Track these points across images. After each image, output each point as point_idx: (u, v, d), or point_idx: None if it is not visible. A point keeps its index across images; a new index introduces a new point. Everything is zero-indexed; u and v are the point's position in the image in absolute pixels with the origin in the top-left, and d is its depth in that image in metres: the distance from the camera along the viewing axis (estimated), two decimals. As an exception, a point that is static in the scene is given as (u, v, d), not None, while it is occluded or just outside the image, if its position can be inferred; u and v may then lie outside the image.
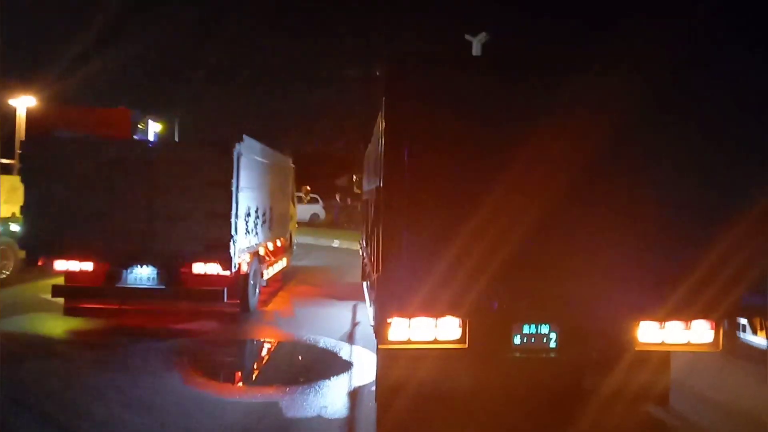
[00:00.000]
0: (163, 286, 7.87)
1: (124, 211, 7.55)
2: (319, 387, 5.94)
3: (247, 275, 8.48)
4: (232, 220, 7.53)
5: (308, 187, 22.24)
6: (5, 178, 10.68)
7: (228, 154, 7.44)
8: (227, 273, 7.86)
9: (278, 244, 11.41)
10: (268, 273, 10.51)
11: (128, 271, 7.89)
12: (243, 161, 7.85)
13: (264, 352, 7.52)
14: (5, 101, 17.00)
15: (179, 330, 8.01)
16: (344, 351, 7.26)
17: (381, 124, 4.09)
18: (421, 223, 3.89)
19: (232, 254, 7.56)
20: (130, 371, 6.33)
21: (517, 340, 4.65)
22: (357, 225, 26.91)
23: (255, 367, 7.08)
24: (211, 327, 8.22)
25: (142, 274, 7.93)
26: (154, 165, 7.49)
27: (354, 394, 5.76)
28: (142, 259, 7.70)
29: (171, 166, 7.51)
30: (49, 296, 9.96)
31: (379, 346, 4.50)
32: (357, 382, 6.10)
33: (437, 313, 4.15)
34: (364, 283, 10.32)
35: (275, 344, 7.74)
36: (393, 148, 3.82)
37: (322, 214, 31.87)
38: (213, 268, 7.79)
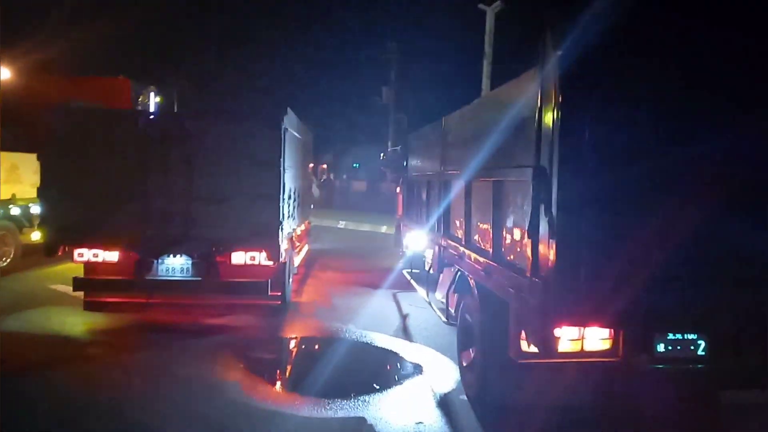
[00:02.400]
0: (199, 278, 7.01)
1: (156, 193, 6.63)
2: (401, 396, 5.23)
3: (285, 264, 7.65)
4: (280, 203, 6.68)
5: (325, 166, 21.10)
6: (5, 155, 9.60)
7: (277, 128, 6.55)
8: (270, 263, 7.04)
9: (303, 227, 10.58)
10: (298, 260, 9.70)
11: (159, 261, 7.01)
12: (287, 136, 6.98)
13: (318, 352, 6.70)
14: None
15: (216, 326, 7.19)
16: (406, 350, 6.53)
17: (547, 94, 3.22)
18: (598, 215, 3.12)
19: (280, 242, 6.73)
20: (176, 377, 5.51)
21: (660, 348, 3.98)
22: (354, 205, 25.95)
23: (316, 370, 6.23)
24: (249, 322, 7.40)
25: (175, 265, 7.05)
26: (192, 140, 6.56)
27: (446, 405, 5.04)
28: (176, 247, 6.82)
29: (211, 142, 6.60)
30: (58, 286, 9.13)
31: (545, 360, 3.76)
32: (440, 388, 5.38)
33: (609, 322, 3.43)
34: (405, 271, 9.62)
35: (327, 342, 6.93)
36: (571, 121, 3.01)
37: (316, 192, 30.84)
38: (255, 258, 6.96)
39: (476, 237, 4.84)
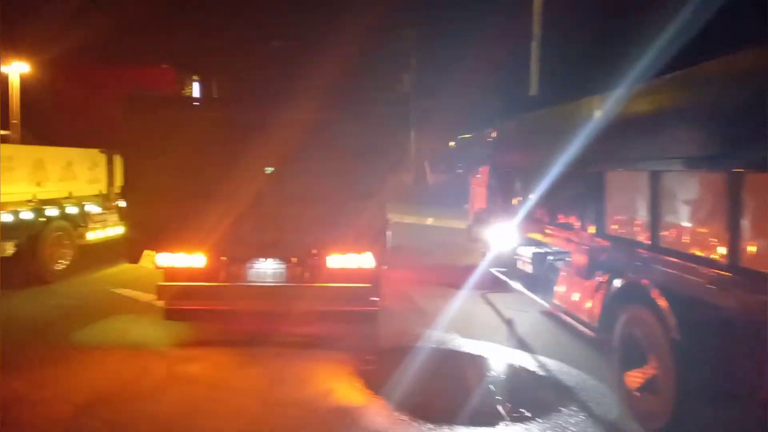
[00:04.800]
0: (293, 284, 6.30)
1: (246, 191, 5.91)
2: (556, 424, 4.48)
3: (380, 266, 6.90)
4: (386, 200, 5.94)
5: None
6: (60, 150, 8.96)
7: (384, 117, 5.79)
8: (371, 266, 6.31)
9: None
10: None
11: (248, 265, 6.31)
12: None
13: (435, 367, 5.87)
14: None
15: (311, 337, 6.48)
16: (531, 364, 5.79)
17: None
18: None
19: (386, 244, 5.99)
20: (287, 399, 4.84)
21: None
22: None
23: (441, 390, 5.40)
24: (344, 331, 6.65)
25: (266, 270, 6.34)
26: (288, 132, 5.81)
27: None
28: (269, 250, 6.11)
29: (310, 133, 5.85)
30: (123, 290, 8.51)
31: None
32: (599, 415, 4.64)
33: None
34: (495, 270, 8.86)
35: (438, 355, 6.15)
36: None
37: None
38: (355, 261, 6.23)
39: (683, 240, 4.02)
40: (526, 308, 7.75)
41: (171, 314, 6.53)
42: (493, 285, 8.91)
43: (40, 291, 8.39)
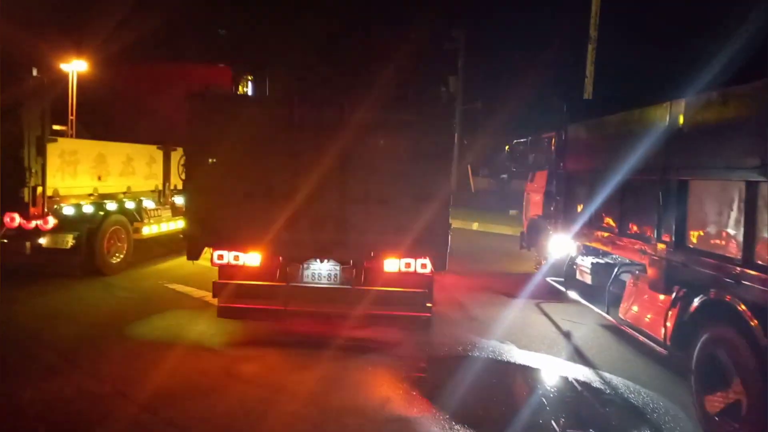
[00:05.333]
0: (348, 286, 6.20)
1: (305, 190, 5.83)
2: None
3: (438, 272, 6.71)
4: (450, 204, 5.78)
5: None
6: (121, 146, 9.13)
7: (452, 119, 5.63)
8: (427, 271, 6.16)
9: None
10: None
11: (304, 266, 6.25)
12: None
13: (495, 381, 5.59)
14: (57, 66, 15.51)
15: (364, 341, 6.35)
16: (596, 381, 5.51)
17: None
18: None
19: (448, 249, 5.83)
20: (346, 406, 4.72)
21: None
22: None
23: (504, 406, 5.07)
24: (396, 337, 6.50)
25: (322, 271, 6.27)
26: (350, 132, 5.72)
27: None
28: (327, 252, 6.02)
29: (372, 134, 5.74)
30: (176, 286, 8.61)
31: None
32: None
33: None
34: (552, 280, 8.58)
35: (495, 366, 5.92)
36: None
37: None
38: (411, 265, 6.09)
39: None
40: (584, 320, 7.45)
41: (224, 312, 6.52)
42: (548, 294, 8.63)
43: (97, 283, 8.56)
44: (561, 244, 8.29)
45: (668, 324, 4.93)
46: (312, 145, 5.78)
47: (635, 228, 5.69)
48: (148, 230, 9.85)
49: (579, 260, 7.82)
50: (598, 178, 6.48)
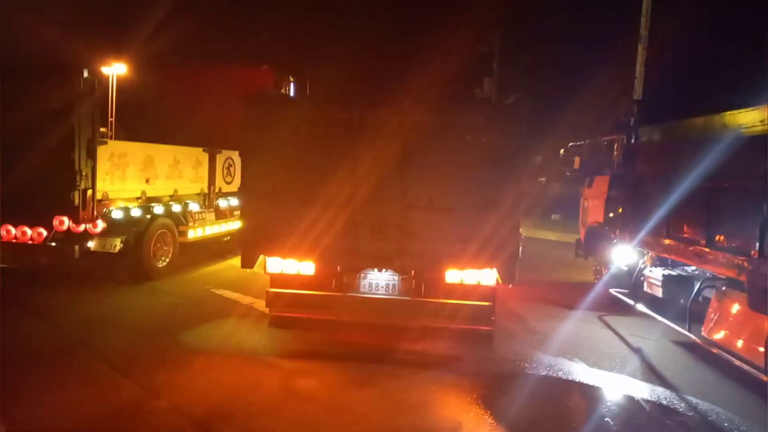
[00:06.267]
0: (407, 297, 5.88)
1: (363, 197, 5.54)
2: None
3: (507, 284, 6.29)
4: (520, 212, 5.40)
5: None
6: (168, 148, 8.99)
7: (521, 122, 5.26)
8: (490, 283, 5.80)
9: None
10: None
11: (361, 276, 5.95)
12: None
13: (562, 398, 5.27)
14: (98, 69, 15.53)
15: (424, 355, 6.00)
16: (675, 403, 5.05)
17: None
18: None
19: (517, 260, 5.45)
20: (428, 429, 4.38)
21: None
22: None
23: (578, 426, 4.78)
24: (457, 351, 6.12)
25: (380, 281, 5.98)
26: (412, 136, 5.40)
27: None
28: (386, 261, 5.71)
29: (436, 138, 5.41)
30: (223, 291, 8.40)
31: None
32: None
33: None
34: (616, 291, 8.12)
35: (563, 385, 5.50)
36: None
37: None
38: (475, 276, 5.74)
39: None
40: (652, 335, 6.97)
41: (277, 321, 6.30)
42: (609, 306, 8.16)
43: (144, 288, 8.41)
44: (626, 254, 7.82)
45: (769, 347, 4.46)
46: (372, 148, 5.49)
47: (727, 240, 5.21)
48: (194, 234, 9.70)
49: (648, 271, 7.34)
50: (678, 184, 6.00)
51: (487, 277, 5.70)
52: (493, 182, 5.34)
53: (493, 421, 4.58)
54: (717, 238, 5.34)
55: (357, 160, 5.51)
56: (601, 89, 20.60)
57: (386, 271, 5.89)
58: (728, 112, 5.17)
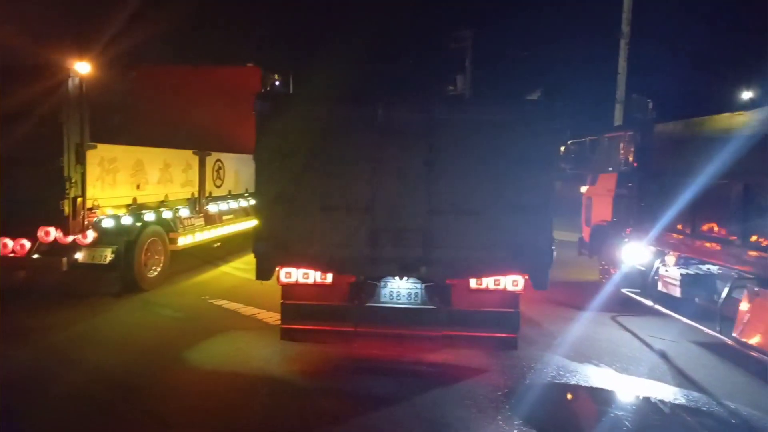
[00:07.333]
0: (432, 306, 5.58)
1: (383, 201, 5.22)
2: None
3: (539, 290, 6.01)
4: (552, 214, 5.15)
5: None
6: (158, 151, 8.49)
7: (552, 120, 5.00)
8: (517, 288, 5.55)
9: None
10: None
11: (381, 284, 5.62)
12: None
13: (597, 407, 5.10)
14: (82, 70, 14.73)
15: (449, 367, 5.74)
16: (715, 410, 4.88)
17: None
18: None
19: (550, 266, 5.20)
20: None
21: None
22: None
23: None
24: (482, 361, 5.85)
25: (401, 290, 5.65)
26: (435, 136, 5.09)
27: None
28: (408, 269, 5.38)
29: (461, 138, 5.11)
30: (221, 302, 7.98)
31: None
32: None
33: None
34: (629, 291, 7.96)
35: (594, 393, 5.28)
36: None
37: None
38: (502, 283, 5.47)
39: None
40: (672, 336, 6.82)
41: (288, 334, 5.89)
42: (620, 307, 8.00)
43: (137, 300, 7.93)
44: (639, 253, 7.66)
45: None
46: (394, 149, 5.16)
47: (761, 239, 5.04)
48: (184, 240, 9.23)
49: (663, 270, 7.19)
50: (700, 181, 5.83)
51: (515, 282, 5.44)
52: (523, 183, 5.07)
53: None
54: (752, 237, 5.19)
55: (378, 161, 5.17)
56: (594, 88, 20.71)
57: (408, 279, 5.57)
58: (755, 109, 5.01)
